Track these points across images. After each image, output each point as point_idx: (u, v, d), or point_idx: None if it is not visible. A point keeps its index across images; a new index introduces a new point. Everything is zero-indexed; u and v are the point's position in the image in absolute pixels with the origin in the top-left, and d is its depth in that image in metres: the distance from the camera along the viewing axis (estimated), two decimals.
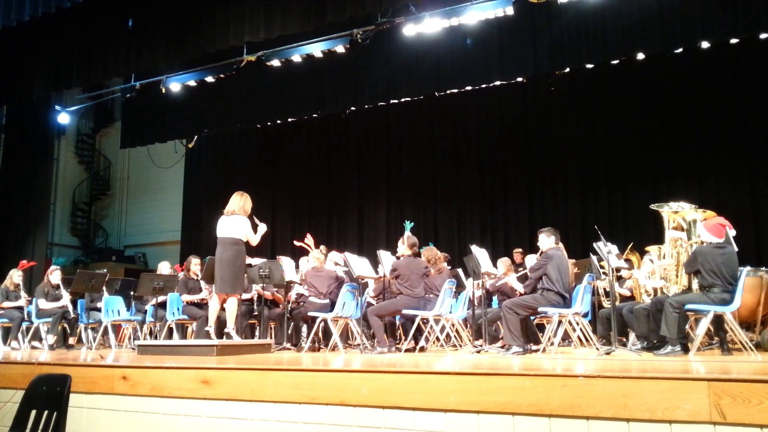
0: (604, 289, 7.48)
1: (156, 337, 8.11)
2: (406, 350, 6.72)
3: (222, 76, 12.27)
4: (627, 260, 7.21)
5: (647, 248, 6.83)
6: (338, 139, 14.34)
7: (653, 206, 6.10)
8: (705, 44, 9.46)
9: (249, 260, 7.41)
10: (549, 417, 3.22)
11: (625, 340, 6.70)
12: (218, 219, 6.42)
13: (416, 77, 10.81)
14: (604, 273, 6.76)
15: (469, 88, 11.08)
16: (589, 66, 10.46)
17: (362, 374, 3.78)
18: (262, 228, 6.47)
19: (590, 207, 11.65)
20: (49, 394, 3.49)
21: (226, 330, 6.23)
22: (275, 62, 11.68)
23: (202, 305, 7.70)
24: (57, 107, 14.46)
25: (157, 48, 10.16)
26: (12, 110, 13.79)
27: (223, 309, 6.44)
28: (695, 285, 5.40)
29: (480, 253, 6.73)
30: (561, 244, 6.20)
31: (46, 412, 3.42)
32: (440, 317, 6.85)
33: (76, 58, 10.75)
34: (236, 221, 6.25)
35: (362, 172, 14.02)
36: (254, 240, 6.33)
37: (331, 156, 14.42)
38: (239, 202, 6.33)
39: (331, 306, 7.06)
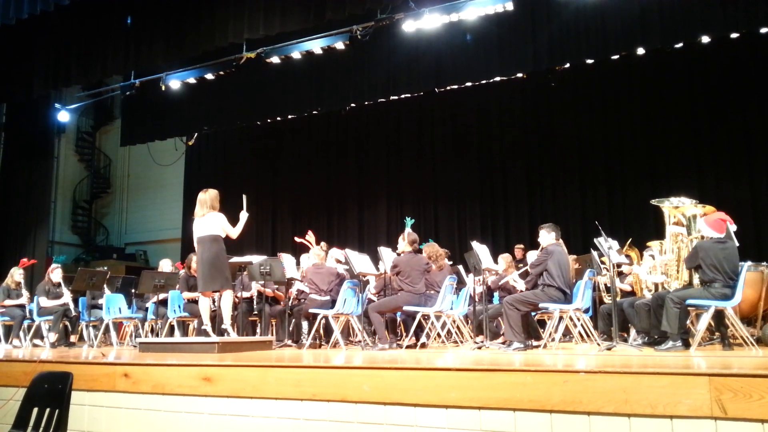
0: (605, 284, 7.48)
1: (157, 335, 8.12)
2: (407, 347, 6.73)
3: (222, 73, 12.27)
4: (626, 256, 7.21)
5: (648, 243, 6.83)
6: (338, 136, 14.33)
7: (654, 201, 6.10)
8: (705, 39, 9.44)
9: (250, 258, 7.41)
10: (550, 412, 3.22)
11: (626, 335, 6.70)
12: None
13: (416, 73, 10.81)
14: (605, 268, 6.76)
15: (468, 84, 11.08)
16: (589, 61, 10.47)
17: (363, 371, 3.77)
18: (244, 216, 6.38)
19: (590, 202, 11.65)
20: (50, 392, 3.49)
21: (223, 326, 6.21)
22: (275, 59, 11.66)
23: None
24: (57, 105, 14.44)
25: (156, 45, 10.15)
26: (12, 108, 13.79)
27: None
28: (696, 280, 5.40)
29: (481, 249, 6.73)
30: (561, 240, 6.20)
31: (47, 410, 3.42)
32: (441, 313, 6.85)
33: (75, 56, 10.75)
34: (211, 218, 6.18)
35: (362, 169, 14.01)
36: (234, 233, 6.24)
37: (331, 152, 14.41)
38: (208, 200, 6.24)
39: (332, 303, 7.06)
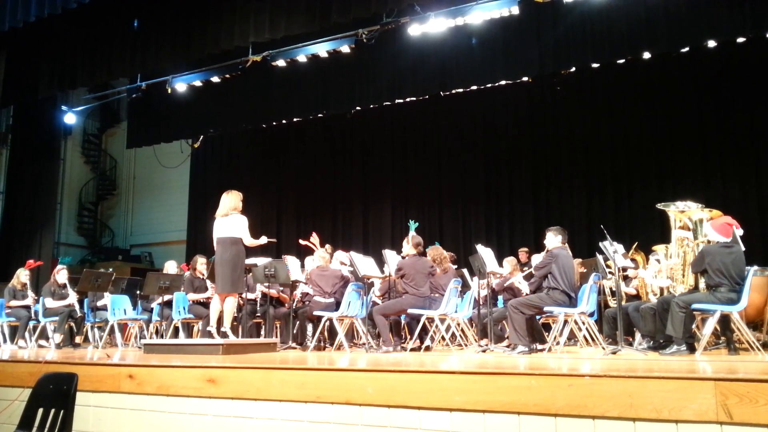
0: (610, 288, 7.47)
1: (162, 336, 8.13)
2: (412, 349, 6.73)
3: (227, 76, 12.32)
4: (632, 260, 7.19)
5: (654, 247, 6.81)
6: (343, 139, 14.35)
7: (660, 205, 6.08)
8: (711, 43, 9.42)
9: (254, 260, 7.42)
10: (555, 416, 3.21)
11: (631, 339, 6.68)
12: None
13: (421, 77, 10.80)
14: (610, 272, 6.75)
15: (474, 87, 11.06)
16: (595, 65, 10.45)
17: (367, 373, 3.77)
18: (263, 239, 6.46)
19: (596, 206, 11.62)
20: (55, 393, 3.50)
21: (222, 329, 6.22)
22: (280, 62, 11.70)
23: (208, 304, 7.68)
24: (63, 107, 14.52)
25: (162, 48, 10.19)
26: (19, 111, 13.85)
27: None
28: (702, 284, 5.39)
29: (485, 253, 6.73)
30: (566, 244, 6.18)
31: (52, 411, 3.43)
32: (446, 316, 6.85)
33: (81, 59, 10.81)
34: (234, 220, 6.22)
35: (367, 172, 14.02)
36: (249, 241, 6.28)
37: (336, 156, 14.43)
38: (231, 202, 6.28)
39: (337, 305, 7.07)
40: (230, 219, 6.22)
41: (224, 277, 6.15)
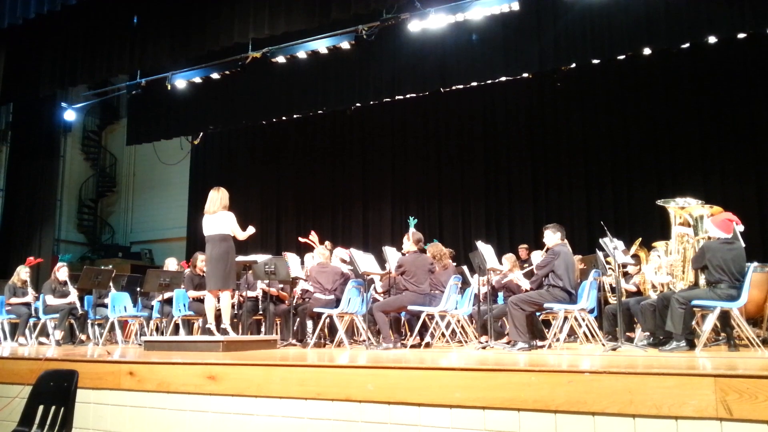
0: (610, 285, 7.47)
1: (162, 333, 8.13)
2: (412, 346, 6.73)
3: (227, 72, 12.29)
4: (635, 256, 7.19)
5: (654, 244, 6.81)
6: (343, 136, 14.34)
7: (660, 202, 6.07)
8: (712, 39, 9.40)
9: (254, 257, 7.42)
10: (554, 413, 3.21)
11: (633, 335, 6.69)
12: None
13: (421, 73, 10.79)
14: (610, 269, 6.75)
15: (474, 84, 11.06)
16: (595, 62, 10.43)
17: (368, 370, 3.77)
18: (251, 230, 6.48)
19: (596, 203, 11.62)
20: (56, 390, 3.51)
21: (222, 326, 6.24)
22: (280, 59, 11.67)
23: None
24: (63, 104, 14.50)
25: (161, 45, 10.18)
26: (19, 108, 13.85)
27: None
28: (702, 281, 5.39)
29: (485, 249, 6.73)
30: (566, 240, 6.18)
31: (53, 408, 3.44)
32: (446, 313, 6.85)
33: (82, 56, 10.80)
34: (221, 217, 6.26)
35: (367, 169, 14.01)
36: (240, 235, 6.31)
37: (336, 152, 14.42)
38: (219, 199, 6.32)
39: (337, 302, 7.07)
40: (218, 216, 6.25)
41: (215, 274, 6.19)
